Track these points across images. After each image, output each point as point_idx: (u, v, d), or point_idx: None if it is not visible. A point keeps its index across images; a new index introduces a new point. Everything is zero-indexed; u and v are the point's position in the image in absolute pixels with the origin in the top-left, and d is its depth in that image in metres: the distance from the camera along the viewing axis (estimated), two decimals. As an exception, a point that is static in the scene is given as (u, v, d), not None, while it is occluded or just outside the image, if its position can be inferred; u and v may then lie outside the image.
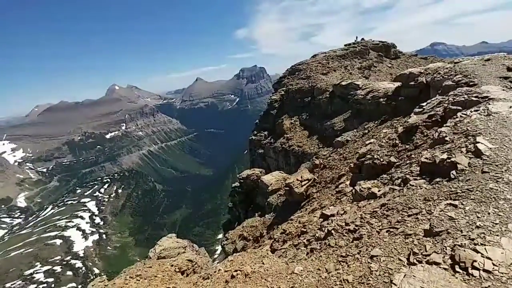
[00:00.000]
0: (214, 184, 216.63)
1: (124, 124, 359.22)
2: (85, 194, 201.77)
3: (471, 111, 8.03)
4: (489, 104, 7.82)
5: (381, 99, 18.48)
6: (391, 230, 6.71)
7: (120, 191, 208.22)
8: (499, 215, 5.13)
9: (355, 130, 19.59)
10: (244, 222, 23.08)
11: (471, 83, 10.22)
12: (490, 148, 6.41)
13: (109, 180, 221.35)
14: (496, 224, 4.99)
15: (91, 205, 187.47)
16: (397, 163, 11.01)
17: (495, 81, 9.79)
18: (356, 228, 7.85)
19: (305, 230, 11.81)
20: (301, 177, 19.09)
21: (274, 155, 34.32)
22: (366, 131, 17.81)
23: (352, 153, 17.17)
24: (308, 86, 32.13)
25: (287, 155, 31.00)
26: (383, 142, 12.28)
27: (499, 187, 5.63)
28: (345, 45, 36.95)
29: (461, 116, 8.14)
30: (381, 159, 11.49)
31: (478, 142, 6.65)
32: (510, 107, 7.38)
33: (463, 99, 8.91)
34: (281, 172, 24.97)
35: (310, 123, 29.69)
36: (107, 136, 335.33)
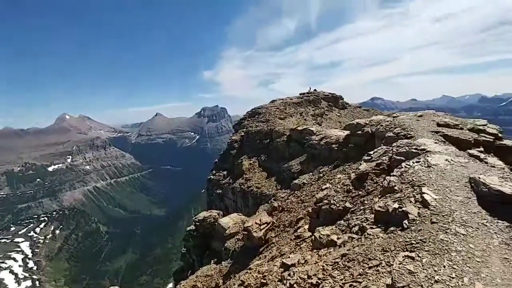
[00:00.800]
0: (167, 226, 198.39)
1: (70, 157, 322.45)
2: (19, 233, 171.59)
3: (413, 162, 8.70)
4: (428, 156, 8.59)
5: (334, 145, 19.65)
6: (354, 284, 6.39)
7: (57, 231, 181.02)
8: (454, 268, 5.18)
9: (311, 173, 20.13)
10: (198, 270, 20.88)
11: (408, 136, 11.36)
12: (435, 199, 6.80)
13: (46, 218, 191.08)
14: (453, 278, 5.00)
15: (25, 246, 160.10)
16: (352, 209, 11.20)
17: (428, 135, 11.03)
18: (319, 281, 7.38)
19: (265, 281, 10.90)
20: (260, 220, 18.38)
21: (233, 196, 33.24)
22: (321, 175, 18.39)
23: (309, 196, 17.32)
24: (267, 129, 33.17)
25: (246, 196, 30.23)
26: (338, 187, 12.61)
27: (449, 238, 5.82)
28: (300, 94, 40.02)
29: (405, 167, 8.75)
30: (337, 205, 11.63)
31: (424, 193, 7.04)
32: (447, 160, 8.16)
33: (405, 150, 9.72)
34: (240, 214, 23.93)
35: (268, 164, 29.98)
36: (50, 169, 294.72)
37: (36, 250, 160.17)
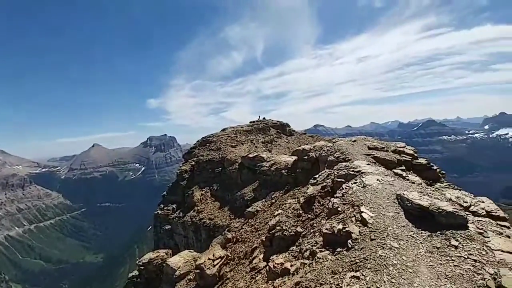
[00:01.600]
0: (104, 274, 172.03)
1: None
2: None
3: (352, 183, 9.68)
4: (363, 177, 9.67)
5: (283, 171, 20.54)
6: (308, 312, 6.51)
7: None
8: (392, 282, 5.75)
9: (263, 200, 20.44)
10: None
11: (346, 159, 12.66)
12: (372, 217, 7.60)
13: None
14: (392, 292, 5.54)
15: None
16: (303, 233, 11.62)
17: (362, 157, 12.47)
18: (275, 315, 7.30)
19: (219, 325, 10.26)
20: (213, 255, 17.59)
21: (184, 230, 31.29)
22: (274, 200, 18.83)
23: (263, 224, 17.40)
24: (218, 157, 33.01)
25: (198, 230, 28.76)
26: (289, 212, 13.04)
27: (386, 253, 6.49)
28: (250, 122, 41.45)
29: (345, 188, 9.65)
30: (289, 230, 11.96)
31: (363, 212, 7.83)
32: (378, 179, 9.28)
33: (344, 172, 10.78)
34: (191, 250, 22.49)
35: (221, 194, 29.45)
36: None
37: None
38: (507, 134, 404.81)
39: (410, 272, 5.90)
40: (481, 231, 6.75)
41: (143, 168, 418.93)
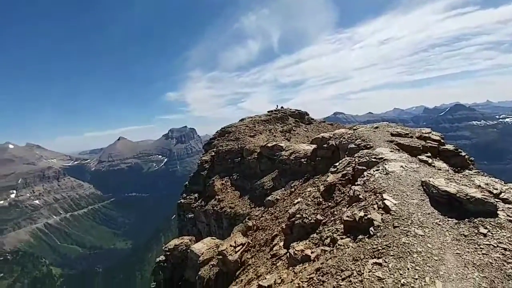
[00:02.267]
0: (134, 260, 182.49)
1: (14, 191, 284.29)
2: None
3: (374, 171, 9.42)
4: (385, 164, 9.37)
5: (303, 159, 20.39)
6: (329, 298, 6.56)
7: None
8: (416, 269, 5.63)
9: (283, 188, 20.50)
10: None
11: (368, 146, 12.29)
12: (395, 204, 7.39)
13: None
14: (416, 279, 5.42)
15: None
16: (324, 221, 11.58)
17: (385, 144, 12.05)
18: (295, 300, 7.43)
19: (242, 308, 10.63)
20: (235, 242, 18.08)
21: (206, 219, 32.27)
22: (293, 189, 18.83)
23: (283, 212, 17.53)
24: (237, 147, 33.33)
25: (219, 218, 29.54)
26: (309, 200, 13.00)
27: (410, 240, 6.33)
28: (268, 112, 41.24)
29: (367, 175, 9.43)
30: (309, 218, 11.97)
31: (385, 199, 7.63)
32: (401, 166, 8.96)
33: (365, 160, 10.50)
34: (213, 238, 23.24)
35: (241, 183, 29.88)
36: None
37: None
38: None
39: (436, 260, 5.74)
40: None
41: (165, 160, 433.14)
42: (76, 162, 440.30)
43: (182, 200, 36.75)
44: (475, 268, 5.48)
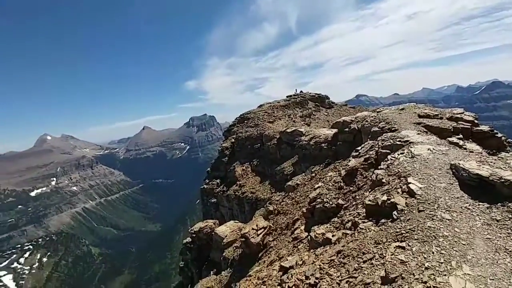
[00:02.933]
0: (163, 241, 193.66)
1: (54, 179, 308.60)
2: (0, 266, 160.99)
3: (398, 154, 9.04)
4: (411, 147, 8.95)
5: (323, 144, 20.02)
6: (350, 280, 6.57)
7: (45, 259, 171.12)
8: (442, 253, 5.45)
9: (303, 173, 20.39)
10: (198, 283, 20.67)
11: (393, 129, 11.77)
12: (421, 188, 7.11)
13: (31, 247, 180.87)
14: (442, 263, 5.26)
15: (8, 280, 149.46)
16: (345, 205, 11.46)
17: (411, 127, 11.46)
18: (317, 281, 7.53)
19: (265, 287, 10.98)
20: (257, 225, 18.47)
21: (228, 203, 33.14)
22: (313, 174, 18.67)
23: (303, 197, 17.54)
24: (257, 133, 33.38)
25: (241, 203, 30.21)
26: (330, 185, 12.86)
27: (436, 224, 6.10)
28: (287, 97, 40.54)
29: (391, 159, 9.08)
30: (330, 202, 11.88)
31: (410, 183, 7.35)
32: (429, 149, 8.52)
33: (389, 143, 10.08)
34: (236, 221, 23.90)
35: (261, 169, 30.11)
36: (32, 194, 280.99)
37: (21, 282, 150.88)
38: None
39: (464, 244, 5.51)
40: None
41: (188, 147, 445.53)
42: (106, 151, 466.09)
43: (205, 186, 37.87)
44: (508, 254, 5.19)
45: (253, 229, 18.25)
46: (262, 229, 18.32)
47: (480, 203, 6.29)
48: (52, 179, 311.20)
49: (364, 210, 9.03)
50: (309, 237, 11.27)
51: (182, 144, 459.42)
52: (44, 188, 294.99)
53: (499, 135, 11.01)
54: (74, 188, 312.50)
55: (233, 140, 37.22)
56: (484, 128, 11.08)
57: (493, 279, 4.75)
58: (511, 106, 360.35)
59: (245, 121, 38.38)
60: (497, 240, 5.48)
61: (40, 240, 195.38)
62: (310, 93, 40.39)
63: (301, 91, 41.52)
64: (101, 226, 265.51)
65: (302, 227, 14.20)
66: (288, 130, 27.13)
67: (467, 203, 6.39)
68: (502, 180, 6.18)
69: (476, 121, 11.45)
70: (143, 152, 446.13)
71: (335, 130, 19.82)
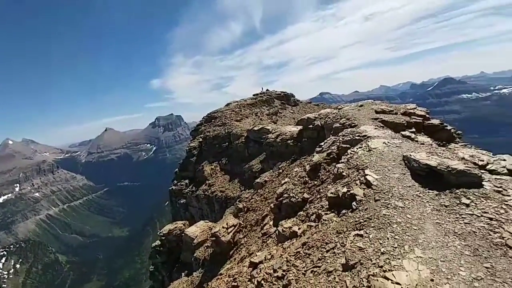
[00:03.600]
0: (131, 246, 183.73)
1: (17, 185, 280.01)
2: None
3: (357, 148, 9.39)
4: (368, 141, 9.35)
5: (289, 141, 20.31)
6: (314, 269, 6.64)
7: (18, 266, 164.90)
8: (396, 238, 5.68)
9: (271, 170, 20.51)
10: (169, 286, 19.86)
11: (353, 125, 12.24)
12: (377, 179, 7.40)
13: (5, 253, 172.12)
14: (396, 248, 5.47)
15: None
16: (310, 199, 11.66)
17: (369, 122, 12.02)
18: (284, 273, 7.52)
19: (236, 284, 10.79)
20: (227, 224, 18.23)
21: (198, 203, 32.32)
22: (281, 170, 18.86)
23: (272, 193, 17.62)
24: (224, 132, 32.93)
25: (211, 202, 29.63)
26: (295, 180, 13.02)
27: (390, 212, 6.37)
28: (253, 95, 40.57)
29: (351, 153, 9.40)
30: (296, 197, 12.03)
31: (367, 175, 7.63)
32: (384, 143, 8.95)
33: (349, 138, 10.45)
34: (206, 221, 23.37)
35: (230, 167, 29.78)
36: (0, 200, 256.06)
37: (3, 286, 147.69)
38: None
39: (415, 229, 5.79)
40: (500, 189, 6.18)
41: (154, 148, 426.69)
42: (67, 155, 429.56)
43: (174, 187, 36.56)
44: (456, 236, 5.45)
45: (223, 227, 17.98)
46: (233, 227, 18.11)
47: (430, 191, 6.68)
48: (15, 185, 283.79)
49: (327, 202, 9.23)
50: (277, 231, 11.30)
51: (148, 145, 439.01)
52: (9, 195, 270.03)
53: (449, 127, 11.96)
54: (37, 194, 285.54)
55: (200, 140, 36.36)
56: (435, 121, 11.98)
57: (444, 261, 4.98)
58: (462, 101, 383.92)
59: (213, 120, 37.70)
60: (446, 224, 5.78)
61: (11, 246, 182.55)
62: (276, 91, 40.89)
63: (267, 90, 41.86)
64: (66, 233, 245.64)
65: (271, 222, 14.23)
66: (256, 128, 27.14)
67: (418, 191, 6.77)
68: (449, 169, 6.58)
69: (427, 116, 12.34)
70: (107, 154, 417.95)
71: (300, 127, 20.20)
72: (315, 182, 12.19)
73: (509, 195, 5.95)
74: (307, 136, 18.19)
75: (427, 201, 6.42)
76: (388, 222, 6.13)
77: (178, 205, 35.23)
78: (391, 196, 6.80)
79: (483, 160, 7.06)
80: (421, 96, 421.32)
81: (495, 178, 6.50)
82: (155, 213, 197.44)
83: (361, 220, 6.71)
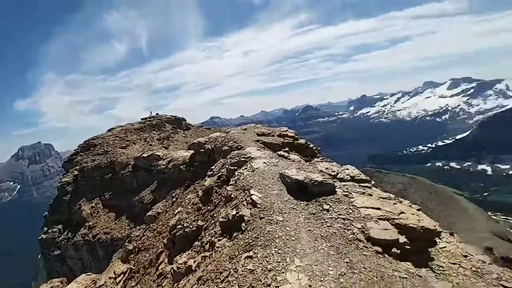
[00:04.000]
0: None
1: None
2: None
3: (243, 169, 9.86)
4: (252, 162, 10.00)
5: (182, 166, 19.41)
6: (210, 306, 6.21)
7: None
8: (279, 253, 6.02)
9: (164, 200, 18.82)
10: None
11: (239, 147, 12.91)
12: (260, 197, 7.88)
13: None
14: (280, 262, 5.75)
15: None
16: (205, 226, 11.23)
17: (252, 144, 13.00)
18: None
19: None
20: (114, 272, 15.27)
21: (76, 253, 25.79)
22: (174, 199, 17.60)
23: (165, 225, 16.02)
24: (107, 161, 28.17)
25: (93, 249, 24.20)
26: (189, 208, 12.35)
27: (273, 227, 6.79)
28: (142, 119, 37.12)
29: (237, 174, 9.76)
30: (191, 226, 11.34)
31: (252, 194, 8.02)
32: (264, 162, 9.75)
33: (236, 160, 10.90)
34: (89, 274, 18.77)
35: (115, 202, 25.45)
36: None
37: None
38: (368, 112, 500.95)
39: (293, 240, 6.34)
40: (347, 193, 7.65)
41: (18, 186, 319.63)
42: None
43: (43, 236, 28.07)
44: (323, 239, 6.22)
45: (110, 278, 15.01)
46: (122, 275, 15.32)
47: (301, 202, 7.62)
48: None
49: (219, 227, 9.08)
50: (172, 270, 10.18)
51: (11, 183, 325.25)
52: None
53: (311, 145, 14.39)
54: None
55: (76, 173, 29.75)
56: (302, 141, 14.20)
57: (317, 265, 5.49)
58: (319, 123, 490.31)
59: (92, 148, 31.74)
60: (315, 230, 6.56)
61: None
62: (166, 115, 38.96)
63: (157, 113, 39.33)
64: None
65: (166, 260, 12.78)
66: (145, 155, 24.59)
67: (293, 203, 7.60)
68: (312, 181, 7.76)
69: (296, 136, 14.50)
70: None
71: (192, 151, 19.74)
72: (209, 207, 11.91)
73: (353, 197, 7.55)
74: (198, 160, 17.92)
75: (300, 212, 7.27)
76: (272, 238, 6.49)
77: (51, 258, 27.08)
78: (273, 212, 7.33)
79: (334, 171, 8.78)
80: (292, 120, 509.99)
81: (343, 185, 8.19)
82: (29, 271, 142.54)
83: (250, 241, 6.84)
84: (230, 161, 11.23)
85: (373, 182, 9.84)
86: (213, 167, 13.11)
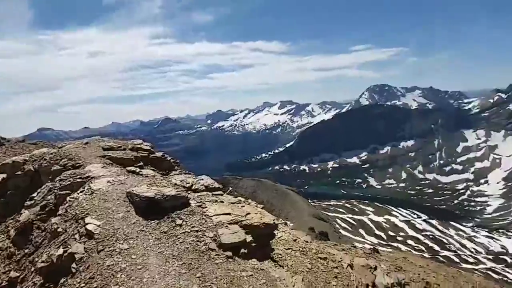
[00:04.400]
0: None
1: None
2: None
3: (78, 193, 7.84)
4: (92, 183, 8.15)
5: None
6: None
7: None
8: (120, 289, 5.04)
9: None
10: None
11: (77, 165, 10.31)
12: (99, 225, 6.43)
13: None
14: (120, 302, 4.82)
15: None
16: (21, 276, 8.07)
17: (96, 160, 10.72)
18: None
19: None
20: None
21: None
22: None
23: None
24: None
25: None
26: (-9, 258, 8.47)
27: (114, 260, 5.61)
28: None
29: (69, 200, 7.65)
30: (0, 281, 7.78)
31: (88, 223, 6.44)
32: (108, 181, 8.17)
33: (69, 182, 8.58)
34: None
35: None
36: None
37: None
38: (223, 125, 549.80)
39: (140, 269, 5.47)
40: (200, 203, 7.52)
41: None
42: None
43: None
44: (175, 258, 5.72)
45: None
46: None
47: (152, 221, 6.81)
48: None
49: (40, 276, 6.67)
50: None
51: None
52: None
53: (168, 158, 13.63)
54: None
55: None
56: (158, 154, 13.17)
57: None
58: (179, 136, 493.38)
59: None
60: (167, 250, 5.98)
61: None
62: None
63: None
64: None
65: None
66: None
67: (142, 225, 6.68)
68: (165, 196, 7.15)
69: (152, 149, 13.29)
70: None
71: (3, 175, 13.94)
72: (26, 251, 8.66)
73: (206, 207, 7.58)
74: (14, 186, 12.87)
75: (150, 233, 6.46)
76: (112, 274, 5.33)
77: None
78: (116, 240, 6.12)
79: (189, 183, 8.60)
80: (150, 133, 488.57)
81: (198, 195, 8.12)
82: None
83: (82, 285, 5.35)
84: (60, 184, 8.68)
85: (230, 189, 10.56)
86: (34, 194, 9.72)
